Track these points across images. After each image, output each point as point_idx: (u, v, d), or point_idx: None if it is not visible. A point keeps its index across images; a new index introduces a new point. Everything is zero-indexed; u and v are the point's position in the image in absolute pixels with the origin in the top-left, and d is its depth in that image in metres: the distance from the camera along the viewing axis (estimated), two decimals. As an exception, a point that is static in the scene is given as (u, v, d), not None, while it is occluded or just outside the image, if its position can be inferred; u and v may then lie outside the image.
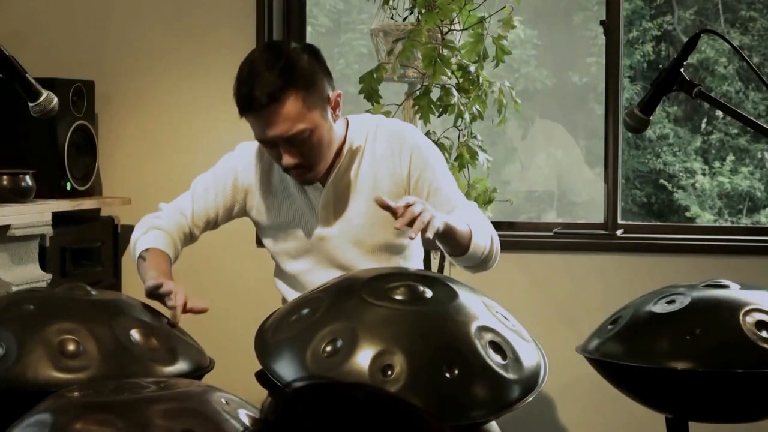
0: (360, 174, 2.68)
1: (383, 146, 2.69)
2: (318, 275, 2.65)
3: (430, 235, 2.34)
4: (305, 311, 2.24)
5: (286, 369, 2.15)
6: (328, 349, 2.12)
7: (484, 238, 2.58)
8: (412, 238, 2.36)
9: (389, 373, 2.06)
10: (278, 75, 2.50)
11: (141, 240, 2.64)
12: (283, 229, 2.72)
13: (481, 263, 2.62)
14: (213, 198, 2.72)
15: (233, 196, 2.73)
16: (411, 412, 1.04)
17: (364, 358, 2.08)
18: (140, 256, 2.61)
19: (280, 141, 2.53)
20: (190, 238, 2.73)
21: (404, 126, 2.77)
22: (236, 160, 2.75)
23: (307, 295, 2.37)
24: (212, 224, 2.75)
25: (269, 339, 2.25)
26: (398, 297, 2.21)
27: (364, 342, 2.11)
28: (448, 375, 2.07)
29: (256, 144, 2.77)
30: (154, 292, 2.43)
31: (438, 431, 1.04)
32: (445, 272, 3.68)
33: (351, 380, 2.03)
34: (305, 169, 2.59)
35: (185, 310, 2.39)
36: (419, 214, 2.31)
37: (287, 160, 2.55)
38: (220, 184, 2.72)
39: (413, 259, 2.78)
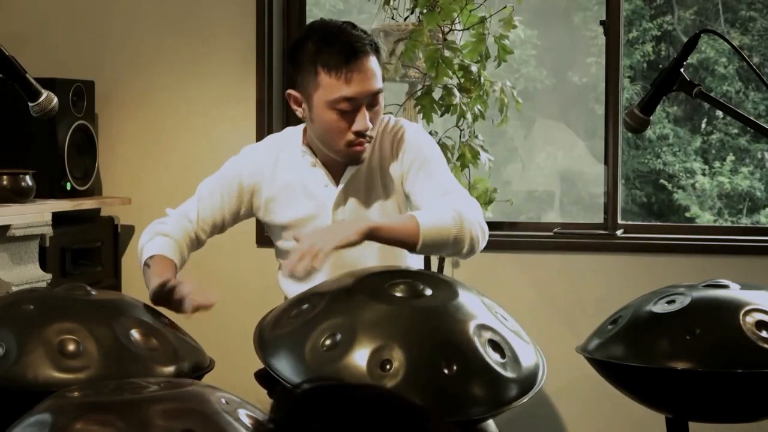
0: (370, 173, 2.69)
1: (387, 146, 2.70)
2: (326, 274, 2.63)
3: (317, 265, 2.28)
4: (305, 306, 2.24)
5: (285, 363, 2.14)
6: (328, 342, 2.12)
7: (441, 221, 2.46)
8: (299, 277, 2.34)
9: (388, 367, 2.06)
10: (364, 34, 2.60)
11: (147, 247, 2.64)
12: (293, 227, 2.71)
13: (453, 248, 2.50)
14: (219, 201, 2.72)
15: (239, 198, 2.73)
16: (419, 414, 1.04)
17: (363, 352, 2.08)
18: (145, 263, 2.61)
19: (368, 98, 2.56)
20: (197, 243, 2.73)
21: (401, 122, 2.77)
22: (241, 163, 2.75)
23: (306, 292, 2.37)
24: (219, 228, 2.75)
25: (268, 334, 2.24)
26: (398, 294, 2.22)
27: (364, 337, 2.11)
28: (446, 371, 2.07)
29: (261, 146, 2.78)
30: (160, 293, 2.40)
31: (446, 432, 1.05)
32: (446, 272, 3.68)
33: (351, 374, 2.04)
34: (368, 139, 2.61)
35: (195, 310, 2.39)
36: (303, 255, 2.29)
37: (365, 123, 2.56)
38: (226, 188, 2.72)
39: (417, 260, 2.78)
